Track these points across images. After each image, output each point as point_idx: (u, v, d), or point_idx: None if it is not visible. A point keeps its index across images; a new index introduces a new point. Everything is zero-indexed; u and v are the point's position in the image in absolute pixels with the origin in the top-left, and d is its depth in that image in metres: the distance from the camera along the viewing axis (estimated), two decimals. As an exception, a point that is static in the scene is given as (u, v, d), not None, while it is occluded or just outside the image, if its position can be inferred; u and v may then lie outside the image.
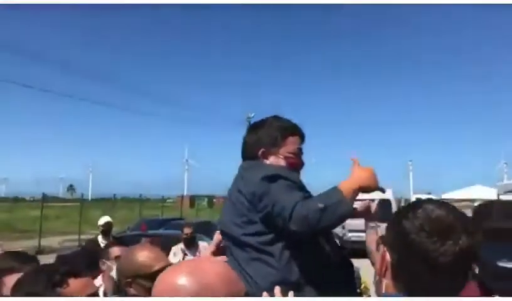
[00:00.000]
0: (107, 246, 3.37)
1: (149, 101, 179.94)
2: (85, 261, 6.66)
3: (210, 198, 78.28)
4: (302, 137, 1.92)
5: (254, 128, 1.93)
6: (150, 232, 8.71)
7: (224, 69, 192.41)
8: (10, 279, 1.49)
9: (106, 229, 6.95)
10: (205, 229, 9.13)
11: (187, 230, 6.29)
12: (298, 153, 1.87)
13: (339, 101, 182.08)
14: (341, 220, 1.44)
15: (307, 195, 1.58)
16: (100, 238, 6.87)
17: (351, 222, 15.63)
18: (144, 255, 1.81)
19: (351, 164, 1.58)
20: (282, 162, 1.81)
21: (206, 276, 1.08)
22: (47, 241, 18.41)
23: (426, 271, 0.96)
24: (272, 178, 1.58)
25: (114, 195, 39.34)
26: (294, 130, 1.90)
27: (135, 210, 27.31)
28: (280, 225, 1.51)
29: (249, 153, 1.87)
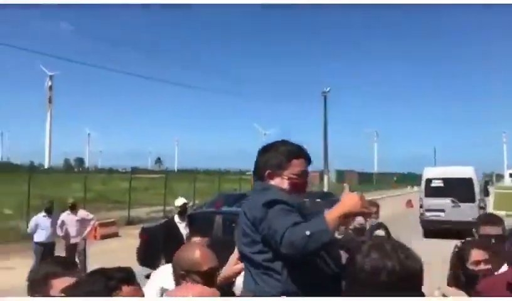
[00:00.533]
0: (188, 238, 3.76)
1: (229, 82, 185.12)
2: (162, 238, 7.29)
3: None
4: (307, 160, 2.09)
5: (263, 151, 2.11)
6: (224, 209, 9.13)
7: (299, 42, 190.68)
8: (58, 283, 1.74)
9: (182, 210, 7.46)
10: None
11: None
12: (303, 175, 2.03)
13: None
14: (323, 246, 1.65)
15: (299, 220, 1.73)
16: (176, 218, 7.39)
17: (428, 202, 15.28)
18: (197, 254, 2.08)
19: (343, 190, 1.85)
20: (286, 184, 1.99)
21: None
22: (135, 212, 19.75)
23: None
24: (270, 204, 1.80)
25: (196, 168, 41.11)
26: (299, 154, 2.06)
27: (216, 183, 28.41)
28: (274, 246, 1.74)
29: (258, 174, 2.07)
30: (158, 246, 7.60)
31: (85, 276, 1.37)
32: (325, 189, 30.33)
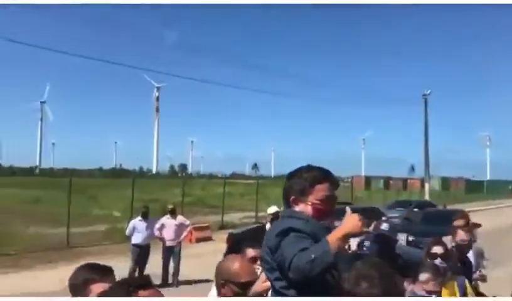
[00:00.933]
0: (243, 248, 3.77)
1: (325, 89, 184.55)
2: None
3: (386, 179, 75.67)
4: (332, 184, 2.12)
5: (289, 177, 2.17)
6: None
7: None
8: (95, 288, 1.92)
9: (274, 218, 7.46)
10: (368, 217, 9.06)
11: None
12: (327, 200, 2.06)
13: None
14: (327, 267, 1.73)
15: (307, 246, 1.79)
16: (268, 225, 7.45)
17: None
18: (237, 266, 2.23)
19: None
20: (310, 209, 2.05)
21: None
22: (229, 217, 20.35)
23: None
24: (285, 232, 1.89)
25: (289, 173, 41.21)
26: (323, 179, 2.09)
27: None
28: (286, 273, 1.82)
29: (285, 199, 2.15)
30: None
31: (111, 285, 1.56)
32: (426, 197, 28.63)
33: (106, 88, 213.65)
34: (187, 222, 9.88)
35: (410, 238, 11.85)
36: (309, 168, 2.14)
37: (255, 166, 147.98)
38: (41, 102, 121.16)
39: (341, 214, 1.95)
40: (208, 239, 15.60)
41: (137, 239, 9.08)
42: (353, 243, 4.74)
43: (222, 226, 18.12)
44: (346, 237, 1.83)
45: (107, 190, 36.76)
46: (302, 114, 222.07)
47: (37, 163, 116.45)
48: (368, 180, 76.04)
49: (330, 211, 2.09)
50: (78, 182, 39.92)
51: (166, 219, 9.42)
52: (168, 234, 9.21)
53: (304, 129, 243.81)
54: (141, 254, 8.96)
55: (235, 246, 8.80)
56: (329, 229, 1.96)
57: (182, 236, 9.50)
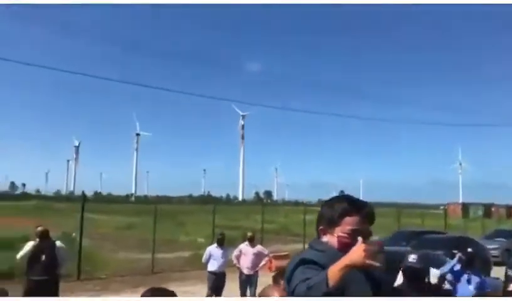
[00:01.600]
0: None
1: (418, 109, 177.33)
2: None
3: (487, 206, 69.39)
4: (365, 217, 2.02)
5: (323, 205, 2.13)
6: (391, 248, 8.47)
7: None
8: None
9: None
10: (455, 245, 8.29)
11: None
12: (353, 234, 1.95)
13: None
14: (324, 295, 1.70)
15: (312, 275, 1.80)
16: None
17: None
18: (276, 295, 2.22)
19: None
20: (335, 241, 2.01)
21: None
22: (311, 245, 19.89)
23: None
24: (297, 263, 1.91)
25: (380, 202, 39.75)
26: (353, 211, 2.01)
27: (396, 217, 26.86)
28: None
29: (317, 228, 2.12)
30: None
31: None
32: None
33: (195, 119, 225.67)
34: (266, 251, 9.80)
35: (510, 272, 10.56)
36: (342, 198, 2.08)
37: (341, 193, 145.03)
38: (136, 134, 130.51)
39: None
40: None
41: (212, 266, 9.15)
42: (433, 276, 4.42)
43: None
44: (347, 268, 1.74)
45: (194, 216, 38.02)
46: (391, 138, 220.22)
47: (133, 191, 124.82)
48: (466, 207, 70.57)
49: (351, 246, 1.93)
50: (167, 209, 42.12)
51: (245, 247, 9.42)
52: (245, 263, 9.17)
53: (395, 154, 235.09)
54: (216, 281, 8.99)
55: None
56: None
57: (260, 265, 9.40)
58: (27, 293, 6.82)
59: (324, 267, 1.83)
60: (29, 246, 7.15)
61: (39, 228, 7.36)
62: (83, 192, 14.82)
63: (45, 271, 6.98)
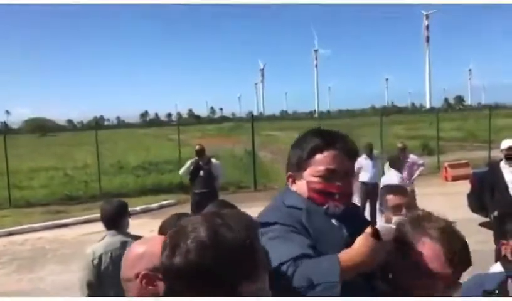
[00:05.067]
0: None
1: None
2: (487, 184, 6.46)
3: None
4: (341, 151, 1.46)
5: (292, 146, 1.59)
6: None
7: None
8: None
9: (508, 154, 6.21)
10: None
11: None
12: (329, 175, 1.44)
13: None
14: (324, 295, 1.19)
15: (305, 249, 1.27)
16: (502, 162, 6.27)
17: None
18: None
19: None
20: (305, 190, 1.47)
21: None
22: (498, 153, 17.69)
23: None
24: (263, 226, 1.34)
25: None
26: (324, 146, 1.46)
27: None
28: None
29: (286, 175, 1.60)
30: (484, 192, 6.84)
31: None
32: None
33: (376, 27, 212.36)
34: (420, 161, 9.24)
35: None
36: (311, 132, 1.54)
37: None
38: (314, 50, 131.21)
39: None
40: (466, 177, 14.14)
41: (363, 177, 9.06)
42: None
43: (488, 163, 16.01)
44: (358, 268, 1.22)
45: (375, 128, 37.42)
46: None
47: (316, 107, 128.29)
48: None
49: (335, 192, 1.45)
50: (347, 122, 42.26)
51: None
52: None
53: None
54: (369, 192, 8.95)
55: (480, 185, 7.82)
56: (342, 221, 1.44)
57: (415, 176, 8.98)
58: (193, 204, 7.94)
59: (296, 231, 1.35)
60: (188, 163, 8.20)
61: (197, 147, 8.25)
62: (251, 113, 16.02)
63: (204, 184, 7.95)
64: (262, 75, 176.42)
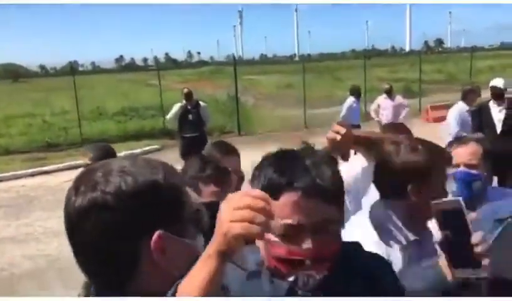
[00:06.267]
0: None
1: None
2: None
3: None
4: (303, 192, 0.95)
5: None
6: None
7: None
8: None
9: (495, 92, 6.27)
10: None
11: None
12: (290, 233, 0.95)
13: None
14: None
15: None
16: (491, 103, 6.30)
17: None
18: None
19: None
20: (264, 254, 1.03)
21: None
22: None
23: None
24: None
25: None
26: (280, 185, 0.93)
27: None
28: None
29: None
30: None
31: None
32: None
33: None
34: (405, 102, 9.29)
35: None
36: (268, 158, 1.04)
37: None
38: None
39: None
40: (445, 119, 14.41)
41: (353, 120, 9.08)
42: None
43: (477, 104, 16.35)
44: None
45: (355, 71, 37.40)
46: None
47: (296, 51, 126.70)
48: None
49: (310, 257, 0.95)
50: (328, 65, 41.92)
51: (383, 100, 9.08)
52: (385, 116, 8.93)
53: None
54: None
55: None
56: None
57: (401, 117, 9.03)
58: (183, 149, 7.83)
59: None
60: (176, 107, 8.01)
61: (185, 90, 8.10)
62: (233, 55, 15.71)
63: (194, 128, 7.86)
64: (241, 17, 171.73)
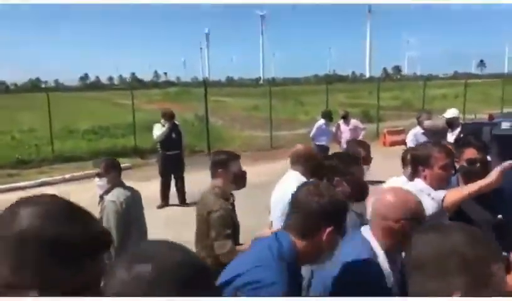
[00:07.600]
0: None
1: None
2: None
3: None
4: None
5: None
6: (499, 120, 8.19)
7: None
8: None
9: (449, 123, 6.76)
10: None
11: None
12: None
13: None
14: None
15: None
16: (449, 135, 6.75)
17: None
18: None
19: None
20: None
21: None
22: (432, 121, 19.43)
23: None
24: None
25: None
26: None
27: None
28: None
29: None
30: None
31: None
32: None
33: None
34: (361, 126, 10.20)
35: None
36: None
37: (481, 63, 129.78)
38: (261, 15, 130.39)
39: None
40: (402, 143, 15.49)
41: (320, 141, 9.83)
42: None
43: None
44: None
45: (317, 96, 38.76)
46: None
47: (261, 75, 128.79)
48: None
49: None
50: (292, 90, 43.30)
51: (341, 124, 9.98)
52: (343, 138, 9.73)
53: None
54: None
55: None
56: None
57: (359, 138, 9.80)
58: (163, 166, 8.36)
59: None
60: (161, 127, 8.34)
61: (169, 110, 8.59)
62: (203, 78, 16.38)
63: (177, 146, 8.42)
64: (207, 40, 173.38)
